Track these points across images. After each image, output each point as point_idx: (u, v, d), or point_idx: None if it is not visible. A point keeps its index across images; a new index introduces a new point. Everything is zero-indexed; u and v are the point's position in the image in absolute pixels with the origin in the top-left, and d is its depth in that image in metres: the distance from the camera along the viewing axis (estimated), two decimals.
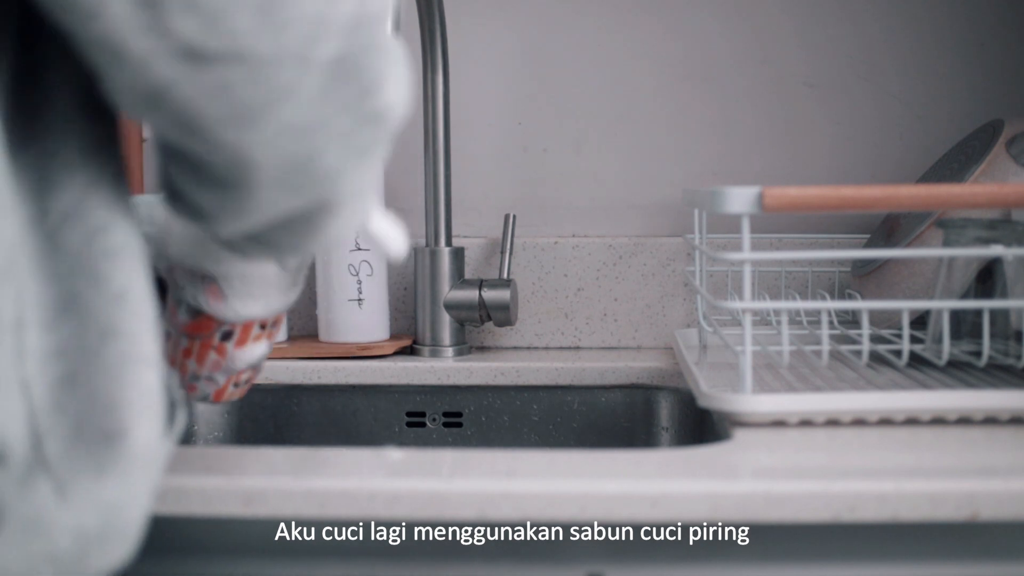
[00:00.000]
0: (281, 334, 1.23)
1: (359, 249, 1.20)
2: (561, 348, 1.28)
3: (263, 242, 0.64)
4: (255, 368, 0.79)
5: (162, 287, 0.76)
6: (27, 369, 0.53)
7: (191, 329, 0.75)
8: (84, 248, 0.55)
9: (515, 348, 1.29)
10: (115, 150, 0.58)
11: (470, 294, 1.21)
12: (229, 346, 0.76)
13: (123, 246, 0.56)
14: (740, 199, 0.80)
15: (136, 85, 0.51)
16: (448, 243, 1.22)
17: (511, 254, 1.25)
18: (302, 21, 0.50)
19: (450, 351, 1.22)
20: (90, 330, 0.55)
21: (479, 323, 1.22)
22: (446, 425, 1.19)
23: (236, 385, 0.79)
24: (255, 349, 0.77)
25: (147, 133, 0.59)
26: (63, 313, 0.54)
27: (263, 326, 0.77)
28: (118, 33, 0.48)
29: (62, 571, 0.54)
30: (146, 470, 0.56)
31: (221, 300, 0.73)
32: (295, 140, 0.54)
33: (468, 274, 1.28)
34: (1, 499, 0.52)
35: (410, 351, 1.24)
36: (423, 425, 1.20)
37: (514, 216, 1.25)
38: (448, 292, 1.21)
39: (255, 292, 0.74)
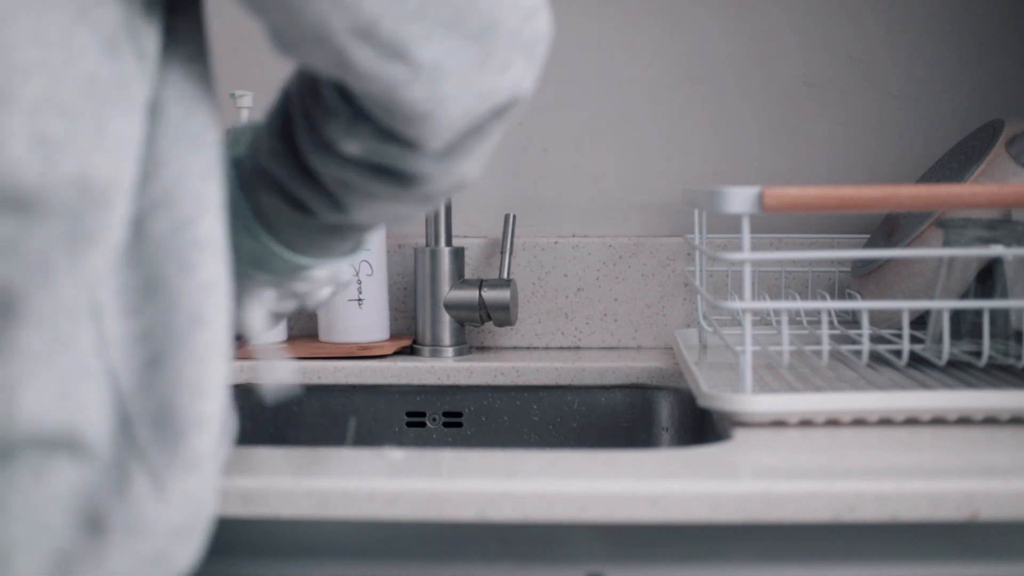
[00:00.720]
0: (281, 334, 1.23)
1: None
2: (561, 348, 1.28)
3: (453, 150, 0.65)
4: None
5: None
6: (112, 356, 0.54)
7: None
8: (172, 236, 0.56)
9: (515, 348, 1.29)
10: (208, 143, 0.59)
11: (470, 294, 1.21)
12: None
13: (210, 238, 0.57)
14: (740, 199, 0.80)
15: (351, 19, 0.55)
16: (448, 243, 1.22)
17: (511, 254, 1.25)
18: None
19: (450, 351, 1.22)
20: (179, 315, 0.55)
21: (479, 323, 1.22)
22: (446, 425, 1.19)
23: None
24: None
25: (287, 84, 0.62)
26: (148, 297, 0.55)
27: None
28: None
29: (163, 572, 0.55)
30: (216, 465, 0.57)
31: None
32: (478, 45, 0.58)
33: (468, 274, 1.28)
34: (100, 505, 0.52)
35: (410, 351, 1.24)
36: (423, 425, 1.20)
37: (514, 216, 1.25)
38: (448, 292, 1.21)
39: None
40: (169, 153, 0.56)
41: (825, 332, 0.85)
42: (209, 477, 0.56)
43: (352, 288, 1.20)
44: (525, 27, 0.60)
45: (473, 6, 0.57)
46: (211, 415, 0.56)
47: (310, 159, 0.65)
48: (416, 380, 1.19)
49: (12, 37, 0.49)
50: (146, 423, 0.54)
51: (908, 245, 1.02)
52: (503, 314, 1.20)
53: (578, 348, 1.28)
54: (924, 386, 0.88)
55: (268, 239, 0.70)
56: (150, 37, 0.55)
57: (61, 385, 0.51)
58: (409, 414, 1.20)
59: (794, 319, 1.13)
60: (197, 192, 0.57)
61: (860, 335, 0.89)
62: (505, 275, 1.23)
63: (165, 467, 0.54)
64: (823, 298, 1.05)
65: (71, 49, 0.51)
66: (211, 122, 0.59)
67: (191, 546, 0.56)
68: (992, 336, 0.87)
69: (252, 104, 1.21)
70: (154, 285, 0.55)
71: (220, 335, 0.57)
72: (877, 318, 1.06)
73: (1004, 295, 0.90)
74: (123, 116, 0.53)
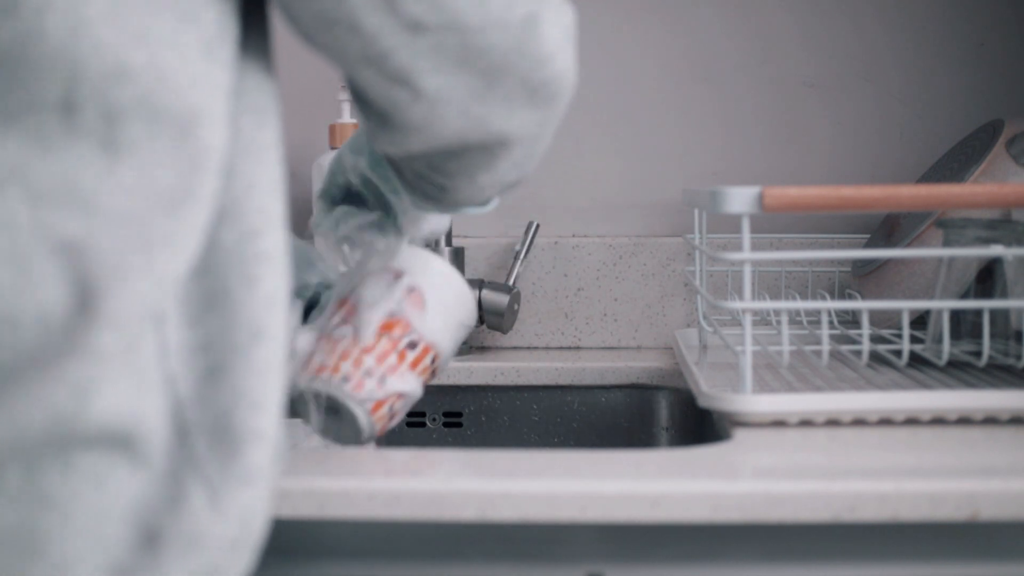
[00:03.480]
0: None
1: None
2: (561, 348, 1.28)
3: (436, 169, 0.69)
4: (407, 401, 0.79)
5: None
6: (172, 364, 0.54)
7: (384, 327, 0.77)
8: (237, 247, 0.56)
9: (515, 348, 1.29)
10: (273, 158, 0.59)
11: None
12: (410, 356, 0.77)
13: (274, 252, 0.58)
14: (740, 199, 0.80)
15: (363, 50, 0.59)
16: (448, 243, 1.22)
17: (523, 261, 1.24)
18: None
19: None
20: (240, 327, 0.55)
21: (479, 323, 1.21)
22: (446, 425, 1.19)
23: (391, 409, 0.77)
24: (420, 379, 0.78)
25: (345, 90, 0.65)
26: (210, 308, 0.55)
27: (433, 359, 0.79)
28: (357, 12, 0.57)
29: None
30: (271, 479, 0.57)
31: (421, 308, 0.78)
32: (485, 81, 0.61)
33: (468, 274, 1.28)
34: (156, 517, 0.52)
35: None
36: (423, 425, 1.20)
37: (537, 225, 1.24)
38: None
39: (442, 314, 0.79)
40: (239, 165, 0.57)
41: (825, 332, 0.85)
42: (263, 491, 0.56)
43: None
44: (536, 74, 0.62)
45: (488, 50, 0.59)
46: (268, 429, 0.56)
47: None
48: None
49: (119, 36, 0.50)
50: (203, 434, 0.54)
51: (908, 245, 1.02)
52: (496, 319, 1.19)
53: (578, 348, 1.28)
54: (924, 386, 0.88)
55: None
56: (231, 45, 0.55)
57: (129, 389, 0.51)
58: (409, 414, 1.19)
59: (794, 319, 1.13)
60: (263, 205, 0.57)
61: (860, 335, 0.89)
62: (511, 281, 1.22)
63: (221, 480, 0.54)
64: (823, 298, 1.05)
65: (179, 50, 0.52)
66: (278, 138, 0.60)
67: (243, 560, 0.56)
68: (992, 336, 0.87)
69: None
70: (217, 296, 0.55)
71: (279, 350, 0.57)
72: (877, 318, 1.06)
73: (1004, 295, 0.90)
74: (213, 124, 0.54)
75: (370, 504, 0.67)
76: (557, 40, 0.62)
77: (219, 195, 0.56)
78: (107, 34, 0.50)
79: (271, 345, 0.56)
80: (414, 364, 0.77)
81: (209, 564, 0.54)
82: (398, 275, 0.79)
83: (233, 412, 0.55)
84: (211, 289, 0.56)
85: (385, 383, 0.76)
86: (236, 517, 0.54)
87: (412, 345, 0.77)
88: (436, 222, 0.83)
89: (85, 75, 0.50)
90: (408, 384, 0.77)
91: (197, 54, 0.53)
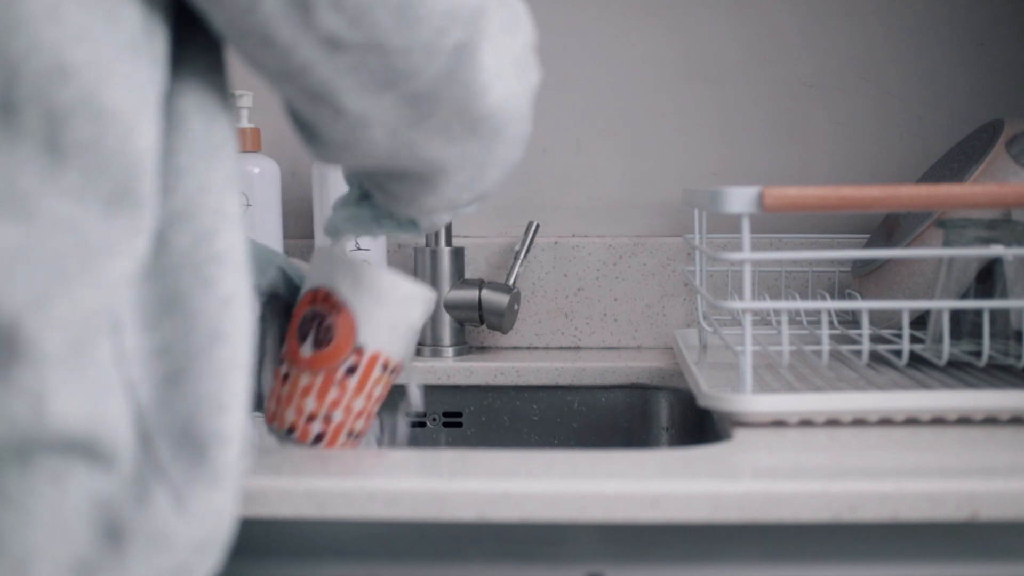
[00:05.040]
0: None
1: (358, 249, 1.20)
2: (561, 348, 1.28)
3: (381, 187, 0.68)
4: (369, 417, 0.78)
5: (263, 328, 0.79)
6: (131, 370, 0.53)
7: (314, 363, 0.75)
8: (192, 250, 0.56)
9: (515, 348, 1.29)
10: (227, 156, 0.59)
11: (470, 294, 1.21)
12: (351, 382, 0.76)
13: (230, 253, 0.57)
14: (740, 199, 0.80)
15: (280, 64, 0.57)
16: (448, 243, 1.22)
17: (523, 261, 1.24)
18: (434, 16, 0.55)
19: (450, 351, 1.22)
20: (198, 331, 0.55)
21: (479, 323, 1.21)
22: (446, 425, 1.19)
23: (350, 435, 0.77)
24: (374, 392, 0.77)
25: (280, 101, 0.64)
26: (167, 312, 0.55)
27: (385, 367, 0.77)
28: (270, 25, 0.54)
29: None
30: (238, 479, 0.57)
31: (353, 328, 0.75)
32: (413, 107, 0.58)
33: (468, 274, 1.28)
34: (120, 515, 0.52)
35: None
36: (423, 425, 1.20)
37: (537, 225, 1.24)
38: (448, 292, 1.21)
39: (383, 325, 0.76)
40: (189, 165, 0.56)
41: (825, 332, 0.85)
42: (230, 492, 0.56)
43: None
44: (473, 104, 0.59)
45: (413, 74, 0.56)
46: (232, 430, 0.55)
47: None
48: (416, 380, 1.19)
49: (59, 36, 0.50)
50: (166, 439, 0.54)
51: (908, 245, 1.02)
52: (496, 319, 1.19)
53: (578, 348, 1.28)
54: (924, 386, 0.88)
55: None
56: (161, 43, 0.55)
57: (87, 394, 0.51)
58: (409, 414, 1.19)
59: (794, 319, 1.13)
60: (217, 205, 0.57)
61: (860, 335, 0.89)
62: (511, 281, 1.22)
63: (186, 483, 0.54)
64: (823, 298, 1.05)
65: (111, 49, 0.51)
66: (230, 135, 0.59)
67: (211, 560, 0.56)
68: (992, 336, 0.87)
69: (252, 104, 1.21)
70: (173, 300, 0.55)
71: (240, 350, 0.57)
72: (877, 318, 1.06)
73: (1004, 295, 0.90)
74: (148, 123, 0.53)
75: (370, 504, 0.67)
76: (495, 69, 0.59)
77: (164, 198, 0.55)
78: (44, 33, 0.49)
79: (231, 346, 0.56)
80: (359, 388, 0.76)
81: (176, 564, 0.54)
82: (326, 297, 0.76)
83: (196, 416, 0.54)
84: (166, 293, 0.55)
85: (332, 419, 0.76)
86: (203, 518, 0.54)
87: (351, 370, 0.76)
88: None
89: (23, 75, 0.49)
90: (358, 405, 0.77)
91: (127, 52, 0.52)
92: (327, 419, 0.76)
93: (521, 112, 0.63)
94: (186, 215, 0.56)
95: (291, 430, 0.76)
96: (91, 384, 0.51)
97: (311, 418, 0.76)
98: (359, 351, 0.75)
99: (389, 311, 0.76)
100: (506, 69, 0.60)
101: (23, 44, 0.49)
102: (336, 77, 0.56)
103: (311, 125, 0.61)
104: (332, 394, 0.76)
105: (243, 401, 0.57)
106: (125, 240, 0.52)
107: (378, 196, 0.72)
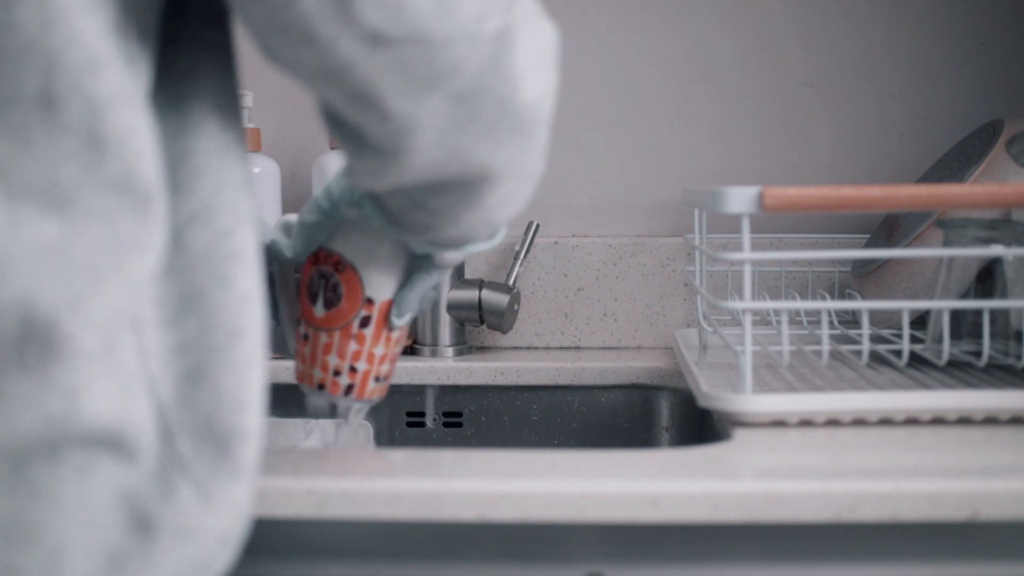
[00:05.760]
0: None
1: None
2: (561, 348, 1.28)
3: (420, 204, 0.66)
4: (393, 360, 0.81)
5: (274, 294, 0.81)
6: (151, 366, 0.54)
7: (328, 321, 0.78)
8: (210, 249, 0.56)
9: (515, 348, 1.29)
10: (240, 156, 0.59)
11: (470, 294, 1.20)
12: (368, 332, 0.78)
13: (246, 251, 0.58)
14: (740, 199, 0.80)
15: (320, 63, 0.55)
16: None
17: (523, 261, 1.24)
18: (472, 2, 0.54)
19: (450, 351, 1.22)
20: (217, 328, 0.56)
21: (479, 323, 1.21)
22: (446, 425, 1.19)
23: (377, 380, 0.80)
24: (392, 335, 0.79)
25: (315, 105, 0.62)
26: (186, 310, 0.56)
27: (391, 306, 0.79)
28: (309, 19, 0.52)
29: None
30: (255, 474, 0.57)
31: (358, 284, 0.77)
32: (459, 106, 0.56)
33: (468, 274, 1.28)
34: (148, 508, 0.53)
35: (410, 351, 1.24)
36: (423, 425, 1.20)
37: (537, 224, 1.24)
38: (448, 292, 1.21)
39: (388, 273, 0.76)
40: (206, 165, 0.57)
41: (825, 332, 0.85)
42: (249, 487, 0.57)
43: None
44: (516, 96, 0.58)
45: (458, 68, 0.55)
46: (252, 426, 0.56)
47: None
48: (416, 380, 1.19)
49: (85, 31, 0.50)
50: (187, 435, 0.54)
51: (908, 245, 1.02)
52: (496, 319, 1.19)
53: (578, 348, 1.28)
54: (924, 386, 0.88)
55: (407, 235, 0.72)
56: (142, 42, 0.54)
57: (116, 390, 0.52)
58: (409, 414, 1.19)
59: (794, 319, 1.13)
60: (233, 204, 0.58)
61: (860, 335, 0.89)
62: (511, 281, 1.22)
63: (210, 477, 0.55)
64: (823, 298, 1.05)
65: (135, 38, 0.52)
66: (242, 135, 0.60)
67: (230, 553, 0.57)
68: (992, 336, 0.87)
69: (252, 104, 1.21)
70: (192, 298, 0.56)
71: (257, 347, 0.57)
72: (877, 318, 1.06)
73: (1004, 295, 0.90)
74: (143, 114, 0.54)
75: (370, 504, 0.67)
76: (529, 62, 0.58)
77: (183, 198, 0.56)
78: (80, 24, 0.50)
79: (249, 343, 0.57)
80: (376, 336, 0.78)
81: (201, 555, 0.54)
82: (327, 257, 0.77)
83: (217, 412, 0.55)
84: (186, 291, 0.56)
85: (357, 370, 0.79)
86: (226, 512, 0.55)
87: (365, 322, 0.77)
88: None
89: (62, 66, 0.50)
90: (379, 352, 0.79)
91: (143, 40, 0.53)
92: (352, 370, 0.79)
93: (548, 112, 0.61)
94: (204, 215, 0.57)
95: (321, 386, 0.79)
96: (119, 381, 0.52)
97: (337, 372, 0.79)
98: (369, 303, 0.77)
99: (381, 256, 0.78)
100: (536, 62, 0.59)
101: (60, 35, 0.49)
102: (379, 76, 0.54)
103: (356, 131, 0.60)
104: (352, 347, 0.78)
105: (261, 397, 0.57)
106: (148, 236, 0.53)
107: (407, 223, 0.70)
